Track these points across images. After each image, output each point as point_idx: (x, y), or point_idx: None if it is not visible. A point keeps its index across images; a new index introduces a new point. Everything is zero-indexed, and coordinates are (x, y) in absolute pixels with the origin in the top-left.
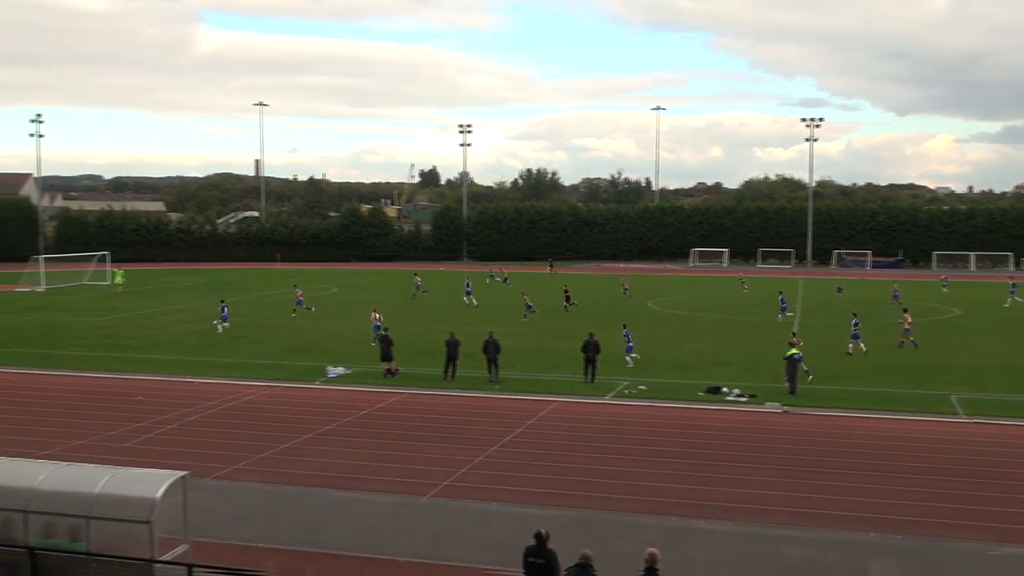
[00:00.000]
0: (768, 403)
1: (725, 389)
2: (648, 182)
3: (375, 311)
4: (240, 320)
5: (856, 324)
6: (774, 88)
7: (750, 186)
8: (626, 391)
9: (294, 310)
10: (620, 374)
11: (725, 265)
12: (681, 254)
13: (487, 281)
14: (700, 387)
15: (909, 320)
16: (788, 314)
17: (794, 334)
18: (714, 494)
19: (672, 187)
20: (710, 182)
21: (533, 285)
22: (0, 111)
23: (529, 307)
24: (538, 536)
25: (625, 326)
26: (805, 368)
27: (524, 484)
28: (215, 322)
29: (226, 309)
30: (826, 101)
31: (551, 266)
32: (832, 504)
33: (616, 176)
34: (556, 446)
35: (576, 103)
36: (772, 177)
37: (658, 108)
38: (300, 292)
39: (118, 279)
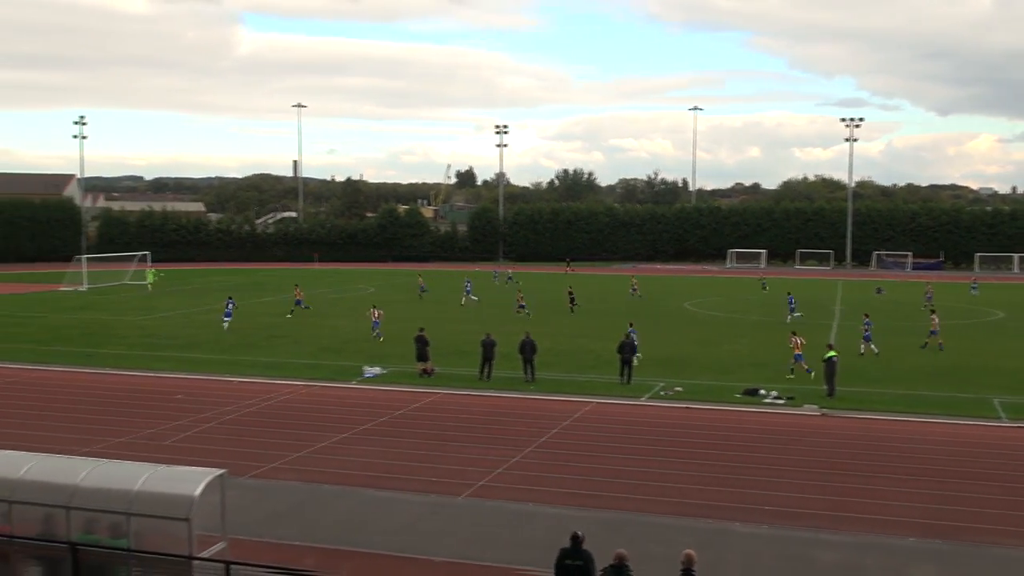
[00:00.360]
0: (806, 405)
1: (762, 391)
2: (685, 183)
3: (375, 308)
4: (278, 320)
5: (868, 325)
6: (813, 88)
7: (788, 187)
8: (662, 393)
9: (291, 311)
10: (655, 375)
11: (763, 266)
12: (718, 255)
13: (494, 281)
14: (737, 389)
15: (936, 322)
16: (797, 315)
17: (829, 344)
18: (750, 496)
19: (709, 188)
20: (748, 183)
21: (546, 285)
22: (45, 113)
23: (522, 306)
24: (574, 538)
25: (631, 325)
26: (806, 366)
27: (559, 485)
28: (223, 317)
29: (231, 306)
30: (866, 101)
31: (568, 265)
32: (870, 508)
33: (653, 177)
34: (592, 447)
35: (613, 103)
36: (811, 178)
37: (695, 108)
38: (300, 292)
39: (149, 278)
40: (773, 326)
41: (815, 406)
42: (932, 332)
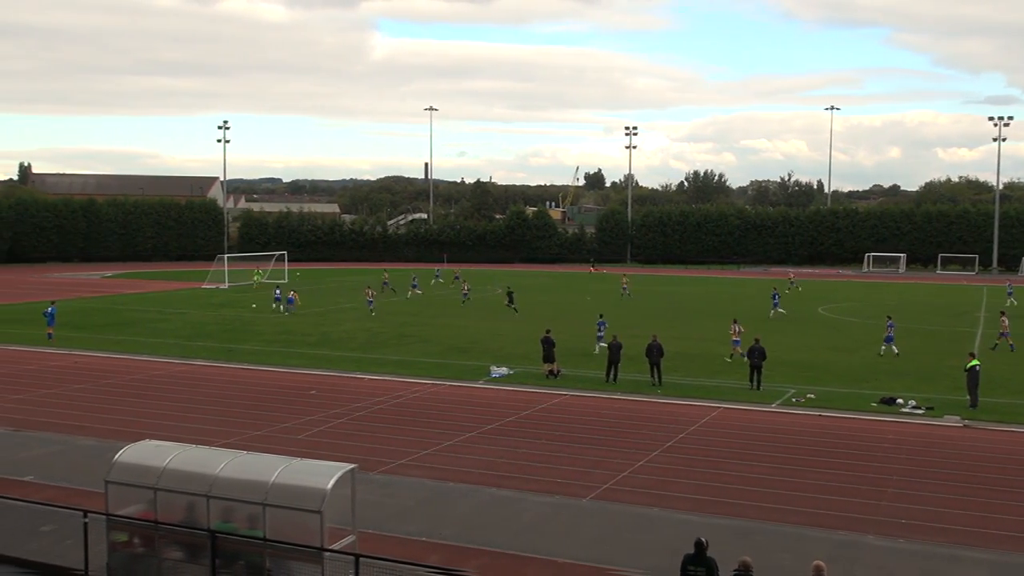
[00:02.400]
0: (947, 416)
1: (900, 400)
2: (820, 184)
3: (368, 288)
4: (407, 319)
5: (891, 327)
6: (958, 85)
7: (931, 188)
8: (793, 399)
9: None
10: (786, 382)
11: (902, 271)
12: (854, 259)
13: (436, 279)
14: (873, 397)
15: (1006, 323)
16: (780, 311)
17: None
18: (885, 508)
19: (845, 189)
20: (887, 184)
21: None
22: (189, 118)
23: (465, 294)
24: (698, 544)
25: (601, 316)
26: (741, 351)
27: (685, 490)
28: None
29: (284, 293)
30: (1017, 98)
31: (593, 267)
32: (1016, 525)
33: (786, 178)
34: (719, 453)
35: (745, 103)
36: (955, 179)
37: (832, 108)
38: (371, 291)
39: (257, 277)
40: (915, 333)
41: (957, 417)
42: (1002, 334)
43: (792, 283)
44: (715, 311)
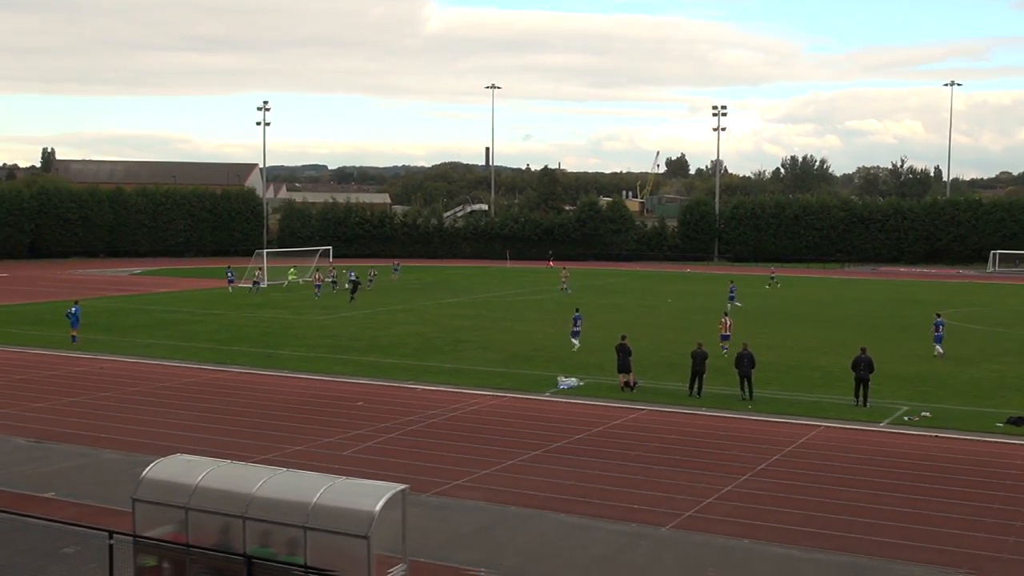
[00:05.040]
0: None
1: None
2: (938, 171)
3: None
4: (464, 323)
5: (939, 325)
6: None
7: None
8: (906, 418)
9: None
10: (898, 397)
11: None
12: (978, 257)
13: (394, 275)
14: (999, 416)
15: None
16: (737, 304)
17: None
18: (1014, 545)
19: (968, 177)
20: (1016, 171)
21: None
22: (222, 98)
23: (255, 283)
24: None
25: (577, 310)
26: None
27: (781, 520)
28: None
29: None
30: None
31: (551, 260)
32: None
33: (899, 165)
34: (820, 478)
35: (851, 79)
36: None
37: (952, 83)
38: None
39: (291, 276)
40: None
41: None
42: None
43: (773, 279)
44: (815, 316)
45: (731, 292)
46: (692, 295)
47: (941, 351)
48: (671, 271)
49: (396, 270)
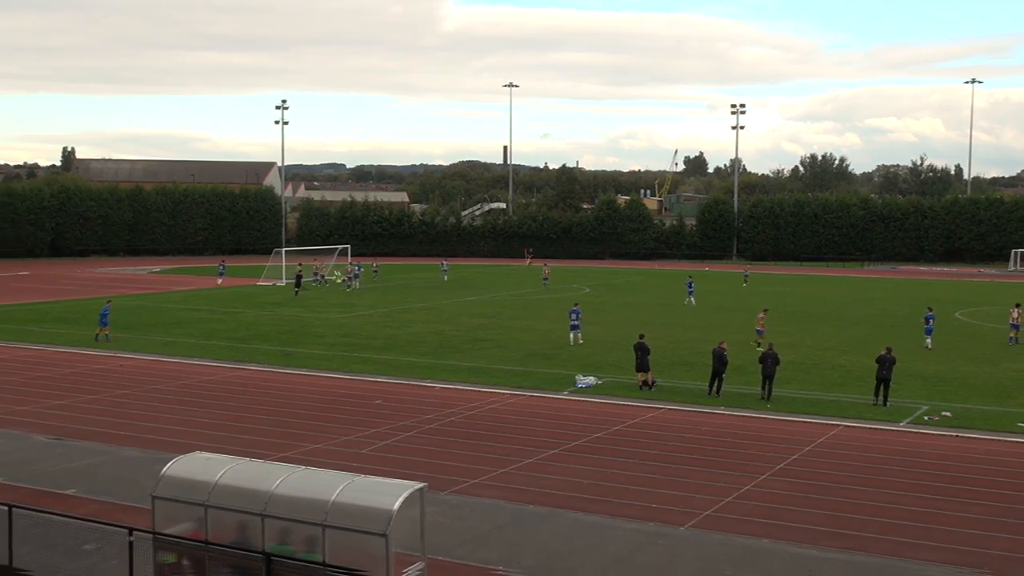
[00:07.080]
0: None
1: None
2: (959, 169)
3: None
4: (483, 321)
5: (930, 319)
6: None
7: None
8: (926, 418)
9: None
10: (918, 397)
11: None
12: (999, 256)
13: (374, 273)
14: (1021, 417)
15: None
16: (692, 301)
17: None
18: None
19: (989, 175)
20: None
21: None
22: (241, 97)
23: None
24: None
25: (576, 304)
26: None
27: (800, 519)
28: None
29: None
30: None
31: (529, 256)
32: None
33: (919, 163)
34: (840, 478)
35: (870, 77)
36: None
37: (973, 81)
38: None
39: (333, 277)
40: None
41: None
42: None
43: (746, 277)
44: (834, 315)
45: (689, 287)
46: (710, 294)
47: (930, 344)
48: (690, 269)
49: (445, 270)
